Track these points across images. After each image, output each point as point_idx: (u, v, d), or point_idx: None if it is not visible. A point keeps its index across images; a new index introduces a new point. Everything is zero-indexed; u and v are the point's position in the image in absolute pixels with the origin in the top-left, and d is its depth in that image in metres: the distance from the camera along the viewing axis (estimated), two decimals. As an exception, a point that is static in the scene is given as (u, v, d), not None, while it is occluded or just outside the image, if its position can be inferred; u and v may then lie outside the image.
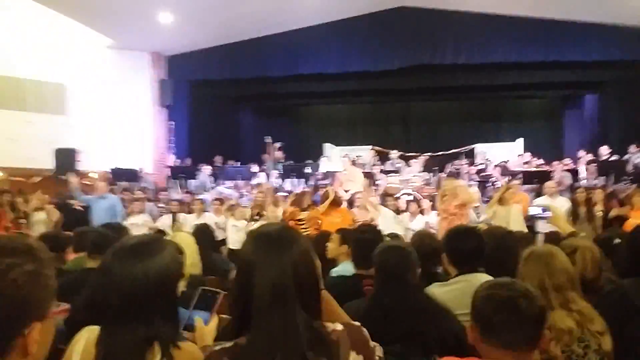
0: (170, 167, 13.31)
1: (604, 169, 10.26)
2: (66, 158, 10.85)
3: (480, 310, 1.56)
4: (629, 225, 6.54)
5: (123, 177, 11.20)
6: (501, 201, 6.97)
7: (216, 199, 8.94)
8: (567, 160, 11.94)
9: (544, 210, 5.67)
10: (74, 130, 12.58)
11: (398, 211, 7.99)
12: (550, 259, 2.12)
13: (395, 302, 2.21)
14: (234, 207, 8.49)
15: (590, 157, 11.51)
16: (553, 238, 3.77)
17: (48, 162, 11.28)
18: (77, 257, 3.65)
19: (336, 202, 7.29)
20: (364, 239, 3.09)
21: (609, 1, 11.03)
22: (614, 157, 11.18)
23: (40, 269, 0.99)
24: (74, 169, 10.89)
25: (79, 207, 8.39)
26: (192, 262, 3.21)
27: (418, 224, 8.07)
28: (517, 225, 6.57)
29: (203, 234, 4.71)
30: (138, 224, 7.96)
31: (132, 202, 8.63)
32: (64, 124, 12.61)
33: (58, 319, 2.19)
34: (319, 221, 6.89)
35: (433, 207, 8.38)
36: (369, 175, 11.07)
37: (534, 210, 5.51)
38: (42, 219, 8.03)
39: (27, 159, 11.51)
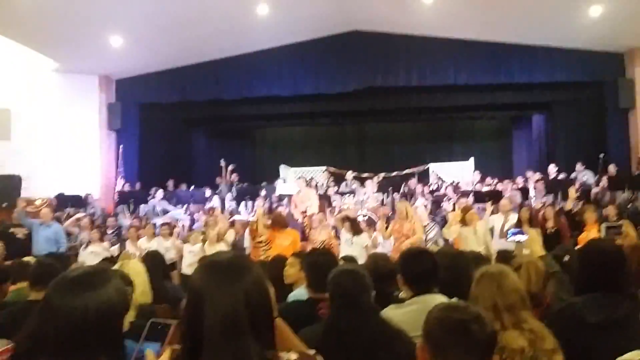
0: (118, 192, 12.97)
1: (552, 186, 10.57)
2: (8, 185, 10.43)
3: (432, 332, 1.55)
4: (582, 240, 6.79)
5: (69, 204, 10.85)
6: (463, 222, 7.12)
7: (164, 224, 8.73)
8: (518, 179, 12.27)
9: (517, 233, 5.82)
10: (19, 155, 12.12)
11: (357, 232, 7.97)
12: (502, 279, 2.13)
13: (351, 326, 2.18)
14: (189, 233, 8.37)
15: (538, 175, 11.86)
16: (504, 257, 3.83)
17: (-9, 190, 10.83)
18: (18, 288, 3.48)
19: (281, 224, 7.26)
20: (318, 263, 3.03)
21: (554, 25, 11.49)
22: (561, 175, 11.56)
23: None
24: (17, 196, 10.50)
25: (21, 236, 8.08)
26: (142, 290, 3.11)
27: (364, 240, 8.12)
28: (484, 242, 6.74)
29: (153, 260, 4.56)
30: (98, 252, 7.73)
31: (91, 229, 8.40)
32: (8, 149, 12.15)
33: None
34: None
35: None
36: (324, 197, 11.08)
37: (510, 234, 5.69)
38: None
39: (-31, 187, 11.01)
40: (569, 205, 7.64)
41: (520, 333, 2.00)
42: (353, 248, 7.27)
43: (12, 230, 8.38)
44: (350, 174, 13.10)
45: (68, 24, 10.57)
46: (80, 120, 13.39)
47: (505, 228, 7.23)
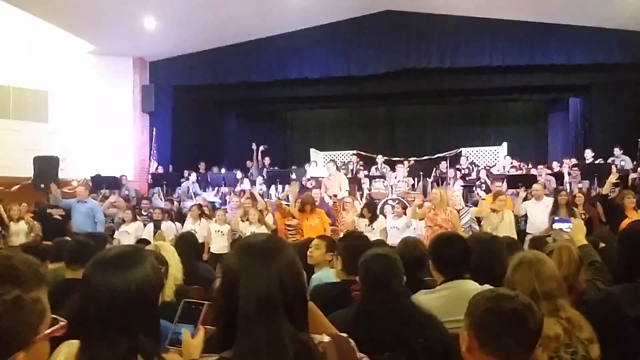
0: (151, 174, 13.18)
1: (588, 172, 10.33)
2: (46, 166, 10.69)
3: (483, 322, 1.53)
4: (624, 225, 6.65)
5: (104, 185, 11.06)
6: (493, 208, 7.03)
7: (193, 206, 8.82)
8: (553, 164, 12.02)
9: (563, 221, 5.74)
10: (56, 137, 12.44)
11: (374, 217, 7.94)
12: (540, 266, 2.10)
13: (382, 311, 2.18)
14: (214, 213, 8.46)
15: (574, 160, 11.61)
16: (538, 243, 3.76)
17: (29, 171, 11.12)
18: (55, 268, 3.57)
19: (310, 205, 7.29)
20: (353, 246, 3.06)
21: (592, 4, 11.16)
22: (598, 161, 11.28)
23: (24, 294, 0.94)
24: (55, 177, 10.76)
25: (58, 217, 8.29)
26: (175, 271, 3.15)
27: (402, 222, 8.08)
28: (509, 231, 6.63)
29: (186, 242, 4.63)
30: (129, 232, 7.91)
31: (124, 210, 8.56)
32: (46, 131, 12.47)
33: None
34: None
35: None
36: (354, 181, 11.06)
37: (557, 223, 5.63)
38: (23, 229, 7.92)
39: (8, 167, 11.34)
40: (606, 189, 7.47)
41: (556, 321, 1.97)
42: (374, 234, 7.26)
43: (49, 210, 8.60)
44: (380, 158, 13.03)
45: (103, 7, 10.72)
46: (114, 102, 13.61)
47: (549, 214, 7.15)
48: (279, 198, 8.62)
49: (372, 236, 6.86)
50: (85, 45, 12.79)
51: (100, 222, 8.33)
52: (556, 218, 6.60)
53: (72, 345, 1.39)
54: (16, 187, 10.24)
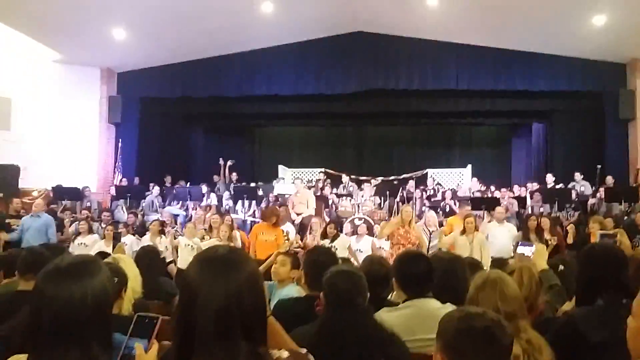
0: (115, 186, 12.94)
1: (549, 196, 10.57)
2: (6, 175, 10.41)
3: (454, 342, 1.51)
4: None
5: (65, 196, 10.81)
6: (463, 230, 7.10)
7: (154, 221, 8.62)
8: (515, 187, 12.27)
9: (526, 245, 5.81)
10: (18, 145, 12.12)
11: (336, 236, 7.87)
12: (504, 286, 2.10)
13: (345, 328, 2.17)
14: (186, 227, 8.30)
15: (536, 185, 11.87)
16: (498, 263, 3.81)
17: (-12, 179, 10.81)
18: (9, 282, 3.43)
19: (272, 218, 7.24)
20: (318, 261, 3.06)
21: (557, 33, 11.52)
22: (559, 185, 11.57)
23: None
24: (15, 186, 10.49)
25: (16, 227, 8.05)
26: (134, 285, 3.09)
27: (365, 244, 8.03)
28: (479, 253, 6.69)
29: (147, 256, 4.55)
30: (86, 244, 7.70)
31: (80, 221, 8.34)
32: (8, 139, 12.14)
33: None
34: None
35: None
36: (321, 199, 11.07)
37: (521, 247, 5.70)
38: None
39: (-35, 175, 10.99)
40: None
41: (516, 341, 1.98)
42: (337, 252, 7.19)
43: (8, 221, 8.35)
44: (346, 177, 13.09)
45: (71, 15, 10.58)
46: (80, 112, 13.39)
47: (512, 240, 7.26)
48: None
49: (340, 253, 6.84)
50: (51, 54, 12.58)
51: (53, 238, 8.09)
52: (520, 242, 6.71)
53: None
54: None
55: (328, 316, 2.27)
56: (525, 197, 11.20)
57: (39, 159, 12.29)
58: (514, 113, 14.50)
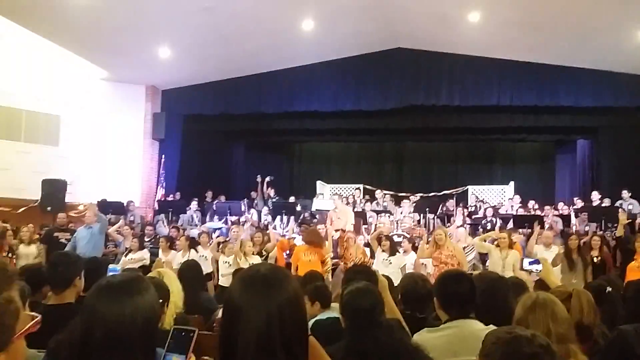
0: (158, 201, 13.21)
1: (595, 215, 10.26)
2: (54, 189, 10.74)
3: None
4: (631, 268, 6.60)
5: (110, 210, 11.09)
6: (497, 245, 6.96)
7: (204, 233, 8.83)
8: (561, 205, 11.95)
9: (534, 262, 5.67)
10: (65, 161, 12.56)
11: (392, 251, 7.87)
12: (555, 308, 2.04)
13: (369, 347, 2.14)
14: (224, 244, 8.38)
15: (580, 202, 11.54)
16: (544, 286, 3.69)
17: (37, 193, 11.17)
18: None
19: (315, 241, 7.24)
20: (357, 279, 2.96)
21: (603, 48, 11.24)
22: (605, 203, 11.21)
23: None
24: (62, 201, 10.79)
25: (64, 241, 8.26)
26: (176, 299, 3.12)
27: (411, 260, 7.99)
28: (512, 271, 6.54)
29: (190, 270, 4.61)
30: (136, 260, 7.85)
31: (130, 238, 8.54)
32: (56, 154, 12.58)
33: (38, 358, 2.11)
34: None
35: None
36: (360, 215, 11.03)
37: (525, 262, 5.52)
38: (32, 253, 7.87)
39: (16, 189, 11.43)
40: (619, 231, 7.36)
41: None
42: (390, 268, 7.17)
43: (56, 234, 8.58)
44: (380, 192, 12.99)
45: (119, 35, 10.91)
46: (125, 128, 13.75)
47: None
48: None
49: (388, 270, 6.81)
50: (99, 72, 13.01)
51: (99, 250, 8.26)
52: (529, 260, 6.54)
53: None
54: (23, 209, 10.27)
55: (352, 336, 2.24)
56: (569, 215, 10.90)
57: (85, 174, 12.68)
58: (559, 129, 14.18)
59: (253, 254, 7.59)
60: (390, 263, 7.45)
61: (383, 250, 7.73)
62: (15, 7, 9.77)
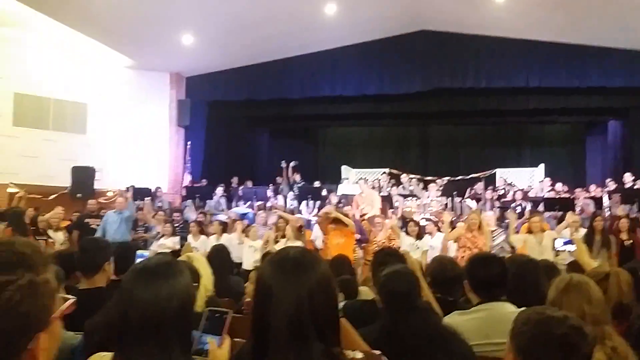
0: (185, 187, 13.35)
1: (628, 196, 10.03)
2: (83, 176, 10.94)
3: (530, 348, 1.44)
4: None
5: (138, 196, 11.23)
6: (529, 230, 6.87)
7: (232, 220, 8.92)
8: (592, 187, 11.71)
9: (567, 242, 5.55)
10: (93, 148, 12.76)
11: (420, 236, 7.84)
12: (589, 290, 2.00)
13: (406, 330, 2.14)
14: (247, 229, 8.46)
15: (613, 184, 11.29)
16: (577, 268, 3.63)
17: (66, 180, 11.40)
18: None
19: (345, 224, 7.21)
20: (386, 262, 2.94)
21: (632, 27, 10.91)
22: (638, 185, 10.96)
23: (36, 277, 0.94)
24: (91, 188, 10.97)
25: (95, 227, 8.41)
26: (206, 283, 3.15)
27: (437, 241, 7.95)
28: (550, 254, 6.46)
29: (219, 255, 4.65)
30: (168, 246, 7.97)
31: (163, 224, 8.67)
32: (84, 142, 12.79)
33: (75, 340, 2.16)
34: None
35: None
36: (387, 199, 10.98)
37: (558, 243, 5.41)
38: (60, 239, 8.03)
39: (46, 177, 11.66)
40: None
41: (601, 348, 1.87)
42: (418, 253, 7.15)
43: (87, 220, 8.74)
44: (405, 177, 12.90)
45: (142, 23, 10.98)
46: (151, 115, 13.90)
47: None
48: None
49: (416, 254, 6.80)
50: (124, 60, 13.13)
51: (128, 234, 8.41)
52: (562, 240, 6.39)
53: (102, 358, 1.40)
54: (53, 196, 10.48)
55: (388, 319, 2.23)
56: (601, 198, 10.67)
57: (113, 161, 12.87)
58: (589, 110, 13.90)
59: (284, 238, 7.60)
60: (418, 248, 7.43)
61: (409, 234, 7.70)
62: (43, -1, 9.91)
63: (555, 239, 6.98)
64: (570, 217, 7.74)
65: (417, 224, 7.83)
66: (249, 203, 12.09)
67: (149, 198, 11.11)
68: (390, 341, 2.06)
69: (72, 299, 1.11)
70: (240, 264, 7.90)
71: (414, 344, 2.08)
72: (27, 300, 0.92)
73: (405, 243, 7.62)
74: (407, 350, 2.05)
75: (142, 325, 1.30)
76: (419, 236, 7.60)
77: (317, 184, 13.25)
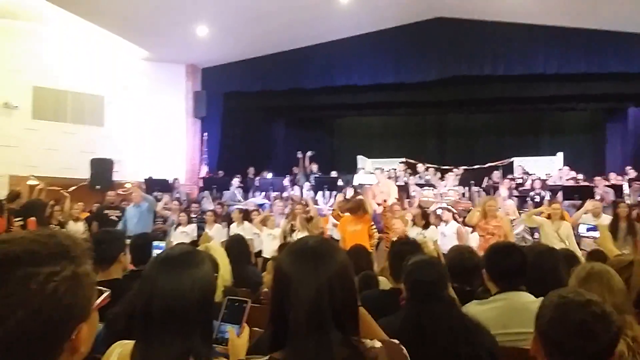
0: (202, 178, 13.43)
1: (649, 184, 9.89)
2: (102, 168, 11.06)
3: (547, 331, 1.42)
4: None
5: (156, 188, 11.33)
6: (549, 217, 6.79)
7: (254, 210, 9.00)
8: (611, 175, 11.55)
9: (591, 229, 5.48)
10: (111, 140, 12.87)
11: (427, 225, 7.79)
12: (611, 279, 1.98)
13: (432, 320, 2.12)
14: (266, 217, 8.52)
15: (633, 172, 11.13)
16: (599, 256, 3.59)
17: (85, 172, 11.54)
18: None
19: (359, 209, 7.17)
20: (402, 252, 2.97)
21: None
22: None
23: (78, 269, 0.96)
24: (110, 179, 11.08)
25: (114, 218, 8.50)
26: (223, 273, 3.18)
27: (450, 229, 7.90)
28: (569, 242, 6.39)
29: (236, 245, 4.68)
30: (187, 233, 8.10)
31: (179, 213, 8.76)
32: (102, 135, 12.91)
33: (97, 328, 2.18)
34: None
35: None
36: (403, 189, 10.94)
37: (582, 229, 5.36)
38: (79, 230, 8.14)
39: (65, 169, 11.81)
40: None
41: (621, 338, 1.85)
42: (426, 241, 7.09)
43: (105, 211, 8.85)
44: (422, 166, 12.83)
45: (158, 15, 11.01)
46: (167, 107, 13.97)
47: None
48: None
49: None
50: (140, 52, 13.20)
51: (150, 225, 8.48)
52: (586, 226, 6.28)
53: (125, 346, 1.41)
54: (73, 188, 10.60)
55: (413, 309, 2.21)
56: (621, 186, 10.53)
57: (131, 153, 12.99)
58: (609, 97, 13.64)
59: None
60: (425, 237, 7.36)
61: (415, 224, 7.67)
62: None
63: (578, 224, 6.90)
64: (590, 203, 7.65)
65: (423, 212, 7.77)
66: (264, 194, 12.13)
67: (167, 194, 11.22)
68: (414, 331, 2.06)
69: (107, 292, 1.14)
70: (257, 253, 7.97)
71: (438, 334, 2.08)
72: (71, 291, 0.93)
73: (412, 233, 7.57)
74: (431, 340, 2.05)
75: (165, 314, 1.33)
76: (426, 225, 7.54)
77: (333, 174, 13.24)
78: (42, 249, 0.93)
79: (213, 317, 1.46)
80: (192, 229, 8.36)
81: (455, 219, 8.30)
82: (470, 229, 7.65)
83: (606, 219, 7.29)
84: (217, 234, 7.97)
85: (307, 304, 1.23)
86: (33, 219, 7.20)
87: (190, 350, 1.33)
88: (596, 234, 5.43)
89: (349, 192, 10.75)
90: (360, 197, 7.75)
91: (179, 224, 8.53)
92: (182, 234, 8.23)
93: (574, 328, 1.37)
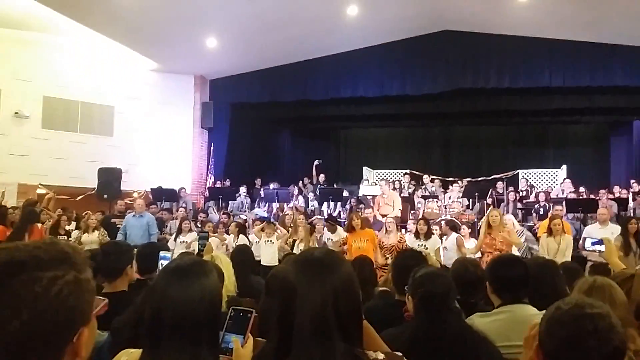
0: (208, 188, 13.50)
1: (654, 198, 9.88)
2: (110, 177, 11.12)
3: (544, 343, 1.38)
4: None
5: (163, 197, 11.39)
6: (550, 232, 6.78)
7: (256, 221, 8.98)
8: (615, 189, 11.54)
9: (596, 243, 5.48)
10: (120, 150, 12.96)
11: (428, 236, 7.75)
12: (613, 292, 2.00)
13: (441, 332, 2.12)
14: (265, 226, 8.52)
15: (637, 186, 11.11)
16: (602, 270, 3.61)
17: (93, 182, 11.62)
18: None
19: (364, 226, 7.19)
20: (406, 265, 2.92)
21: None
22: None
23: (80, 274, 0.99)
24: (118, 189, 11.15)
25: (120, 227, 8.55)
26: (227, 283, 3.21)
27: (450, 242, 7.87)
28: (567, 254, 6.39)
29: (241, 255, 4.71)
30: (187, 242, 8.08)
31: (183, 220, 8.78)
32: (111, 144, 13.01)
33: (101, 338, 2.22)
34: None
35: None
36: (408, 200, 10.96)
37: (587, 242, 5.37)
38: (96, 240, 8.12)
39: (74, 178, 11.91)
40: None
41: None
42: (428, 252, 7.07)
43: (113, 220, 8.90)
44: (427, 177, 12.83)
45: (167, 26, 11.13)
46: (176, 118, 14.08)
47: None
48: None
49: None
50: (149, 63, 13.32)
51: (155, 235, 8.52)
52: (592, 240, 6.26)
53: (131, 354, 1.42)
54: (81, 196, 10.69)
55: (424, 320, 2.20)
56: (626, 199, 10.52)
57: (139, 162, 13.08)
58: (613, 110, 13.65)
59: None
60: (427, 248, 7.33)
61: (417, 236, 7.64)
62: (70, 4, 10.09)
63: (584, 237, 6.86)
64: (599, 211, 7.63)
65: (426, 223, 7.73)
66: (267, 205, 12.13)
67: (173, 203, 11.28)
68: (423, 343, 2.06)
69: (105, 300, 1.17)
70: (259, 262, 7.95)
71: (446, 346, 2.08)
72: (74, 294, 0.96)
73: (414, 244, 7.50)
74: (439, 352, 2.05)
75: (174, 323, 1.32)
76: (427, 236, 7.50)
77: (344, 186, 13.25)
78: (45, 255, 0.96)
79: (218, 328, 1.46)
80: (192, 237, 8.26)
81: (455, 230, 8.25)
82: (468, 233, 7.64)
83: (612, 228, 7.27)
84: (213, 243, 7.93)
85: (312, 314, 1.24)
86: (39, 225, 7.26)
87: (198, 359, 1.32)
88: (601, 247, 5.43)
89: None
90: (351, 215, 7.71)
91: (179, 232, 8.46)
92: (182, 244, 8.09)
93: (565, 342, 1.33)
